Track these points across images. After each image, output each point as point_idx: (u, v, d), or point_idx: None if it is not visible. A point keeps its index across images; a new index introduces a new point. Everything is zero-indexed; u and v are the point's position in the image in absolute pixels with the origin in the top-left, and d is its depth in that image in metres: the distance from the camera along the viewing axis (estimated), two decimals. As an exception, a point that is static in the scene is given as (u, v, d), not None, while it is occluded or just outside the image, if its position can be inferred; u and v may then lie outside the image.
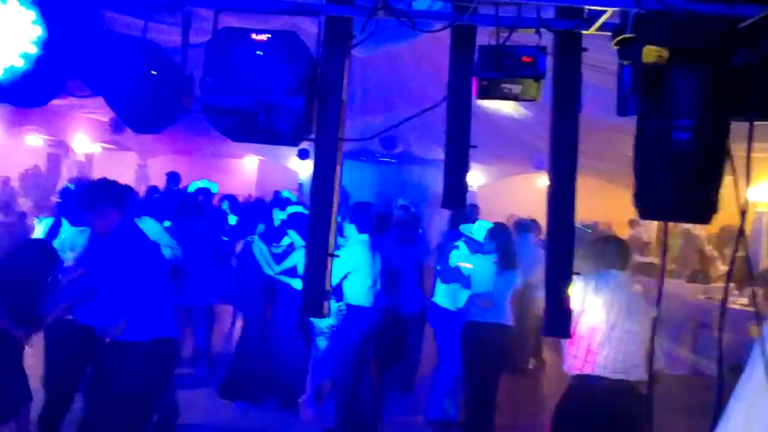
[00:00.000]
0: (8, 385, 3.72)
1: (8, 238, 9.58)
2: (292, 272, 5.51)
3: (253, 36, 2.57)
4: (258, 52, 2.55)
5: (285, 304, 5.55)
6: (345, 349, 4.93)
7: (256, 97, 2.51)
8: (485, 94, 2.70)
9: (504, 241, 5.02)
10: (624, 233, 14.94)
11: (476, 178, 15.99)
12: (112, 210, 3.33)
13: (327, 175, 2.68)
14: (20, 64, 2.30)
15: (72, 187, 5.99)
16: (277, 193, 8.13)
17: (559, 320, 2.76)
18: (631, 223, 14.20)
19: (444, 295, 5.51)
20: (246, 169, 18.91)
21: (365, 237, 5.09)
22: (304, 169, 16.59)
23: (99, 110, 12.44)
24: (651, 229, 14.40)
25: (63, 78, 2.46)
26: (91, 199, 3.38)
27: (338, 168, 2.68)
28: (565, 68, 2.57)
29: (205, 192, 7.57)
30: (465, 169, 2.85)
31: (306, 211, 6.46)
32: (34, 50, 2.30)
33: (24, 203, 11.77)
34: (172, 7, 2.55)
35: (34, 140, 14.89)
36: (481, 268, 4.98)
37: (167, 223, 5.79)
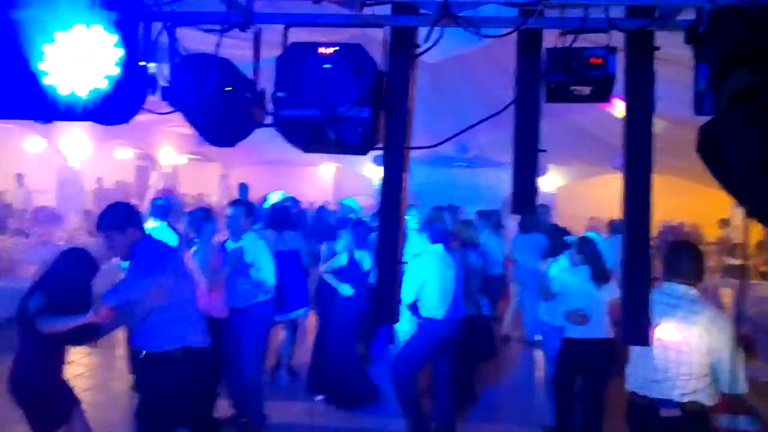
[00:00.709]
0: (62, 391, 3.88)
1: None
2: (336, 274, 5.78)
3: (321, 50, 2.64)
4: (326, 66, 2.62)
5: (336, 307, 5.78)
6: (412, 359, 4.96)
7: (324, 109, 2.57)
8: (554, 97, 2.66)
9: (591, 252, 4.86)
10: (713, 234, 14.26)
11: (554, 180, 15.67)
12: (133, 229, 3.57)
13: (395, 182, 2.71)
14: (104, 85, 2.44)
15: (160, 201, 6.24)
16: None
17: (637, 327, 2.68)
18: (722, 224, 13.53)
19: (544, 310, 5.49)
20: (323, 177, 19.27)
21: (439, 247, 5.05)
22: (379, 175, 16.73)
23: (184, 124, 13.00)
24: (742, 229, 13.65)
25: (141, 97, 2.59)
26: (116, 221, 3.59)
27: (405, 175, 2.70)
28: (637, 68, 2.49)
29: (293, 203, 7.63)
30: (534, 173, 2.81)
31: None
32: (116, 71, 2.44)
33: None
34: (243, 25, 2.65)
35: (124, 153, 15.73)
36: (574, 282, 4.89)
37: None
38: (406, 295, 4.81)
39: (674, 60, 3.89)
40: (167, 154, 14.83)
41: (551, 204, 11.05)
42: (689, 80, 2.42)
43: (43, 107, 2.53)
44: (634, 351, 3.45)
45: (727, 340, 3.14)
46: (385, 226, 2.75)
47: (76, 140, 11.71)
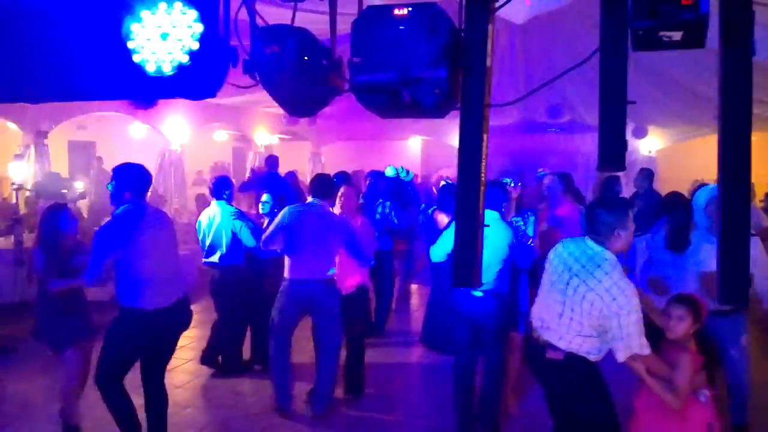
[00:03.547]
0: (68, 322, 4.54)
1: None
2: None
3: (395, 12, 2.61)
4: (400, 27, 2.59)
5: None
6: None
7: (400, 71, 2.55)
8: (642, 45, 2.50)
9: (678, 215, 4.39)
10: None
11: (654, 142, 14.91)
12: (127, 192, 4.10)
13: (474, 144, 2.65)
14: (186, 60, 2.52)
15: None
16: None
17: (735, 286, 2.51)
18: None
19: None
20: (411, 150, 19.26)
21: (496, 215, 4.62)
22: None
23: (275, 105, 13.35)
24: None
25: (224, 70, 2.66)
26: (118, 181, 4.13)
27: (485, 136, 2.64)
28: (733, 6, 2.30)
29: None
30: (623, 127, 2.66)
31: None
32: (196, 46, 2.52)
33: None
34: (318, -7, 2.66)
35: (221, 136, 16.35)
36: (656, 249, 4.51)
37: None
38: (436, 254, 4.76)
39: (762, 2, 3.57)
40: (261, 134, 15.28)
41: (653, 167, 10.53)
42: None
43: (133, 86, 2.67)
44: (541, 291, 3.52)
45: (624, 310, 3.09)
46: (465, 189, 2.70)
47: (176, 125, 12.27)
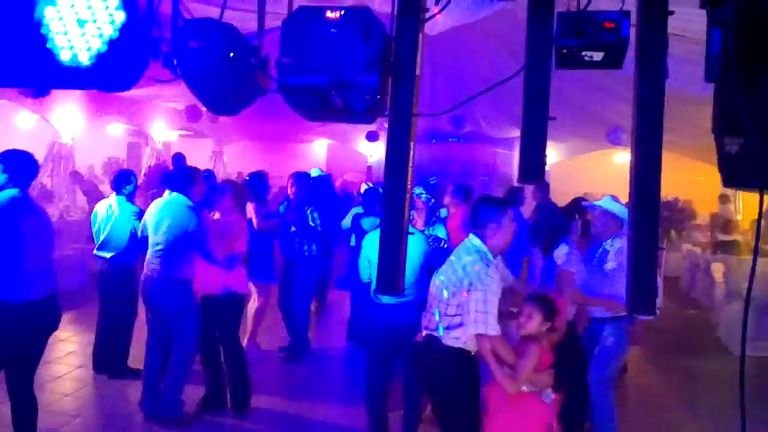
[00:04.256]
0: None
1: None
2: None
3: (328, 14, 2.58)
4: (332, 30, 2.56)
5: None
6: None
7: (330, 75, 2.52)
8: (565, 64, 2.62)
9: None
10: (707, 211, 14.33)
11: (549, 155, 15.64)
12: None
13: (401, 150, 2.66)
14: (104, 49, 2.37)
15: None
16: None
17: (644, 297, 2.67)
18: (721, 200, 13.62)
19: None
20: (316, 153, 19.17)
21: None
22: (372, 151, 16.67)
23: (176, 99, 12.87)
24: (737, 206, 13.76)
25: (144, 62, 2.52)
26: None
27: (412, 144, 2.66)
28: (650, 33, 2.44)
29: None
30: (543, 142, 2.77)
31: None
32: (116, 35, 2.37)
33: (108, 190, 12.33)
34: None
35: (116, 129, 15.55)
36: None
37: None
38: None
39: (673, 33, 3.84)
40: (159, 130, 14.67)
41: (548, 180, 11.04)
42: (689, 54, 2.38)
43: (44, 74, 2.47)
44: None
45: (473, 287, 3.32)
46: (391, 196, 2.71)
47: (68, 116, 11.54)
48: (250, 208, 6.35)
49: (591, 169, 16.18)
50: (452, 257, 3.58)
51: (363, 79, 2.48)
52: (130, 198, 5.92)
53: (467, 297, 3.35)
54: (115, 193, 5.91)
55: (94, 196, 11.27)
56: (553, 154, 15.73)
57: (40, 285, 3.87)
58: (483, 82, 2.81)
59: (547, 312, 3.50)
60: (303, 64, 2.55)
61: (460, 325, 3.40)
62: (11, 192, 3.83)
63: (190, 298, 4.89)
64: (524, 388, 3.41)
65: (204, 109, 10.76)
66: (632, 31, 2.52)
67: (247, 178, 7.14)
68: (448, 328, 3.44)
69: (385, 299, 4.43)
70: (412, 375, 4.52)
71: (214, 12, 2.85)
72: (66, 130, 11.69)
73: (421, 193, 5.14)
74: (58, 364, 6.19)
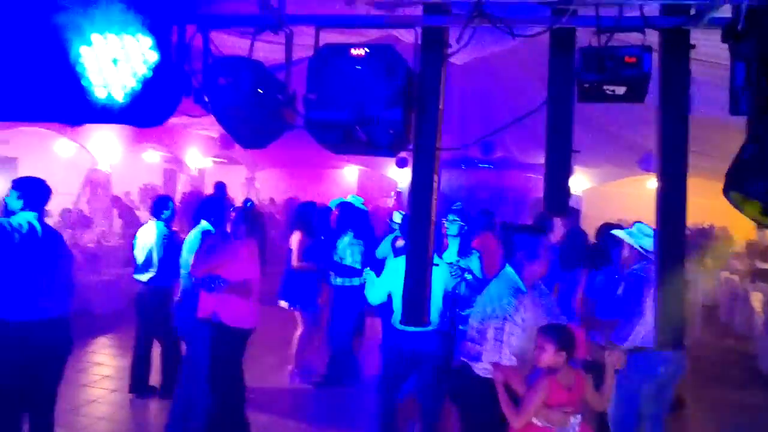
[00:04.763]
0: None
1: (131, 247, 10.39)
2: None
3: (352, 51, 2.65)
4: (357, 67, 2.62)
5: None
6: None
7: (355, 110, 2.58)
8: (587, 97, 2.63)
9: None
10: (744, 238, 14.00)
11: (581, 182, 15.52)
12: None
13: (425, 184, 2.71)
14: (139, 87, 2.47)
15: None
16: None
17: (672, 329, 2.64)
18: (759, 226, 13.31)
19: None
20: (346, 179, 19.34)
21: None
22: (402, 178, 16.78)
23: (210, 127, 13.15)
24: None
25: (176, 99, 2.62)
26: None
27: (436, 177, 2.69)
28: (672, 67, 2.46)
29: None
30: (567, 174, 2.78)
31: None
32: (151, 74, 2.47)
33: (143, 215, 12.61)
34: (275, 26, 2.66)
35: (152, 157, 15.93)
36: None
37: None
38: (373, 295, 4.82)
39: (702, 59, 3.83)
40: (194, 157, 14.99)
41: (578, 206, 10.95)
42: (719, 79, 2.38)
43: (80, 109, 2.58)
44: None
45: (495, 327, 3.32)
46: (416, 228, 2.74)
47: (105, 143, 11.88)
48: (294, 238, 6.43)
49: (625, 195, 15.95)
50: (489, 287, 3.59)
51: (386, 114, 2.54)
52: (168, 223, 6.04)
53: (489, 326, 3.35)
54: (153, 218, 6.05)
55: (130, 220, 11.55)
56: (585, 180, 15.60)
57: (45, 306, 3.93)
58: (513, 109, 2.85)
59: (560, 342, 3.28)
60: (328, 100, 2.61)
61: (481, 353, 3.39)
62: (29, 215, 3.95)
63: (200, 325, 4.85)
64: (537, 423, 3.32)
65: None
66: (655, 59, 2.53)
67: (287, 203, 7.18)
68: (476, 358, 3.44)
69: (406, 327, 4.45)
70: (431, 400, 4.54)
71: (242, 43, 2.95)
72: (104, 158, 12.02)
73: (455, 220, 5.08)
74: (94, 388, 6.28)
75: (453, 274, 4.81)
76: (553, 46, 2.63)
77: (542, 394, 3.23)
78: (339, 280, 6.54)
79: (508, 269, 3.52)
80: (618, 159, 13.01)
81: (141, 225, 11.38)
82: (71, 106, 2.61)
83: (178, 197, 12.26)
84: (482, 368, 3.42)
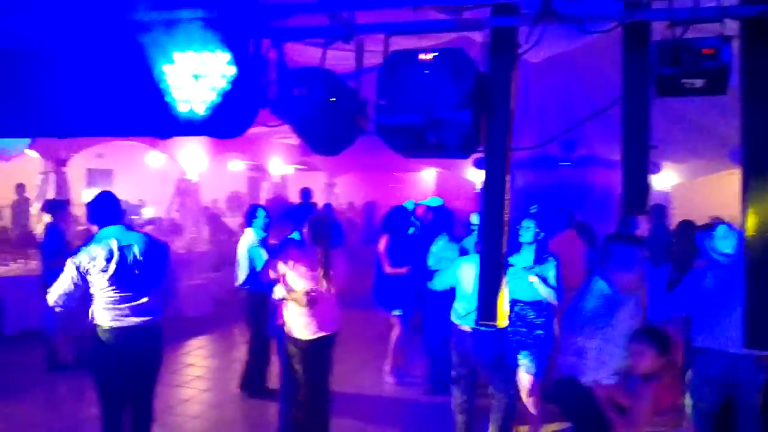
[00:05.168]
0: None
1: (221, 251, 10.90)
2: None
3: (421, 56, 2.68)
4: (426, 72, 2.65)
5: None
6: None
7: (425, 114, 2.61)
8: (664, 92, 2.56)
9: None
10: None
11: (669, 177, 14.89)
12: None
13: (497, 185, 2.70)
14: (217, 101, 2.60)
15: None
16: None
17: (763, 332, 2.52)
18: None
19: None
20: (424, 182, 19.36)
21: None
22: (480, 179, 16.62)
23: (291, 135, 13.52)
24: None
25: (254, 110, 2.74)
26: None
27: (508, 177, 2.68)
28: (755, 56, 2.34)
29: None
30: (645, 171, 2.71)
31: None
32: (229, 88, 2.59)
33: (231, 222, 13.15)
34: (346, 36, 2.73)
35: (237, 165, 16.52)
36: None
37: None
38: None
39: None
40: (276, 164, 15.43)
41: (666, 203, 10.52)
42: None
43: (166, 124, 2.74)
44: None
45: (592, 347, 3.24)
46: (489, 229, 2.74)
47: (193, 154, 12.42)
48: (382, 241, 6.52)
49: (716, 190, 15.18)
50: (585, 302, 3.43)
51: (456, 116, 2.55)
52: (266, 230, 6.23)
53: (589, 342, 3.24)
54: (248, 226, 6.27)
55: (217, 227, 12.05)
56: (673, 175, 14.96)
57: (141, 311, 4.14)
58: (593, 104, 2.80)
59: (659, 346, 3.21)
60: (398, 105, 2.66)
61: (584, 368, 3.32)
62: (116, 227, 4.13)
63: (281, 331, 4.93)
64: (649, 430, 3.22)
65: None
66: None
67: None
68: (579, 373, 3.35)
69: (465, 322, 4.50)
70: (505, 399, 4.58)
71: (315, 52, 3.03)
72: (192, 168, 12.57)
73: (529, 227, 4.94)
74: (186, 388, 6.58)
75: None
76: (627, 40, 2.57)
77: (649, 403, 3.15)
78: (434, 284, 6.50)
79: (601, 283, 3.38)
80: (708, 153, 12.41)
81: (228, 231, 11.82)
82: (158, 120, 2.78)
83: (262, 203, 12.66)
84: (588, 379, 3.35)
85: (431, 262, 6.27)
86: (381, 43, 3.00)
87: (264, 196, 15.22)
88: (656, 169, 14.32)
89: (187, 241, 11.12)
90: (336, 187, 17.58)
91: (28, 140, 8.44)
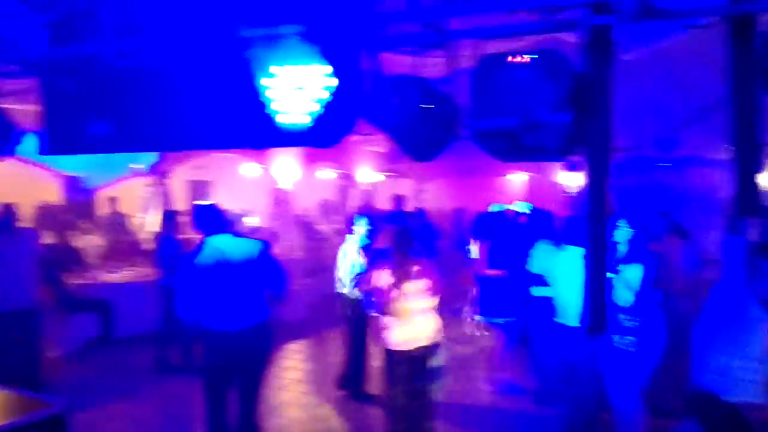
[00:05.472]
0: None
1: (315, 258, 11.20)
2: None
3: (515, 59, 2.68)
4: (521, 74, 2.65)
5: None
6: None
7: (521, 117, 2.61)
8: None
9: None
10: None
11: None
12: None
13: (600, 186, 2.65)
14: (319, 112, 2.70)
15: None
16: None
17: None
18: None
19: None
20: (514, 186, 19.08)
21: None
22: (571, 181, 16.19)
23: (379, 143, 13.69)
24: None
25: (353, 120, 2.82)
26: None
27: (608, 179, 2.63)
28: None
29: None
30: (757, 170, 2.58)
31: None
32: (330, 99, 2.69)
33: (324, 229, 13.52)
34: (440, 43, 2.77)
35: (327, 174, 16.90)
36: None
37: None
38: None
39: None
40: (365, 172, 15.66)
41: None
42: None
43: (267, 136, 2.88)
44: None
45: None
46: (592, 232, 2.70)
47: (285, 165, 12.82)
48: (475, 247, 6.50)
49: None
50: (721, 315, 3.24)
51: (554, 118, 2.54)
52: (370, 236, 6.35)
53: (731, 361, 3.09)
54: (349, 233, 6.38)
55: (311, 235, 12.41)
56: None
57: (247, 314, 4.34)
58: (689, 102, 2.71)
59: None
60: (493, 109, 2.67)
61: (728, 387, 3.18)
62: (224, 235, 4.31)
63: None
64: None
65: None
66: None
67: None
68: (725, 392, 3.24)
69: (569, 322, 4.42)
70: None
71: (404, 60, 3.09)
72: (284, 178, 12.97)
73: (623, 227, 4.79)
74: (287, 391, 6.76)
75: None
76: (732, 34, 2.46)
77: None
78: (539, 290, 6.37)
79: (744, 299, 3.13)
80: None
81: (320, 238, 12.10)
82: (259, 133, 2.92)
83: (350, 210, 12.88)
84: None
85: (534, 266, 6.15)
86: (468, 47, 3.02)
87: (353, 204, 15.47)
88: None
89: (283, 249, 11.47)
90: (424, 194, 17.63)
91: (155, 154, 8.97)
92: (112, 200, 11.75)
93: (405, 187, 17.79)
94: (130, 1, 2.92)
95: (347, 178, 16.53)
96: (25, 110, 4.09)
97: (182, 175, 13.15)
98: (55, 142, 3.45)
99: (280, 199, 12.88)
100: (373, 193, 16.24)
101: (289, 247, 11.75)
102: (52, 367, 6.96)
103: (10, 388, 4.09)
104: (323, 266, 12.08)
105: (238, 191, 14.31)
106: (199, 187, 15.18)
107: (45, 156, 4.14)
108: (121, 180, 10.12)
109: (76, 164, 8.55)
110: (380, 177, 16.59)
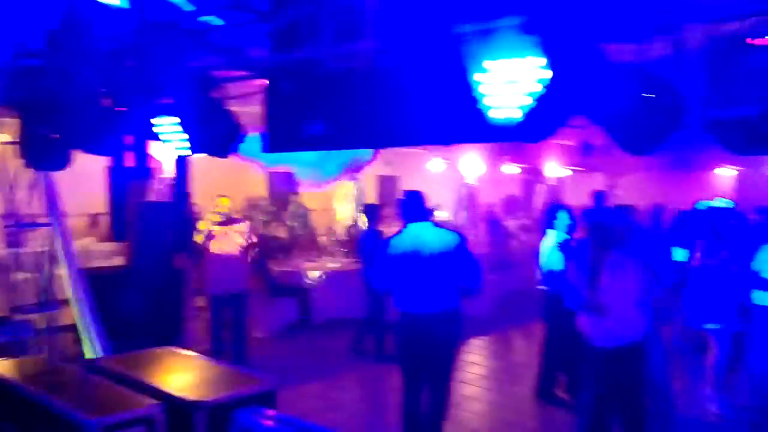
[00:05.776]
0: None
1: (501, 253, 11.19)
2: None
3: (755, 40, 2.42)
4: (762, 57, 2.39)
5: None
6: None
7: (763, 105, 2.35)
8: None
9: None
10: None
11: None
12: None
13: None
14: (532, 105, 2.65)
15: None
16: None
17: None
18: None
19: None
20: (720, 181, 17.43)
21: None
22: (793, 176, 14.42)
23: (568, 137, 13.19)
24: None
25: (567, 113, 2.73)
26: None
27: None
28: None
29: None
30: None
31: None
32: (543, 92, 2.62)
33: (510, 225, 13.45)
34: (665, 29, 2.58)
35: (511, 169, 16.63)
36: None
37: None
38: None
39: None
40: (551, 167, 15.17)
41: None
42: None
43: (478, 130, 2.88)
44: None
45: None
46: None
47: (470, 160, 12.82)
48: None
49: None
50: None
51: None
52: (570, 232, 6.19)
53: None
54: (550, 228, 6.27)
55: (496, 230, 12.36)
56: None
57: (439, 300, 4.50)
58: None
59: None
60: (729, 97, 2.43)
61: None
62: (421, 223, 4.54)
63: None
64: None
65: (596, 144, 10.77)
66: None
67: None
68: None
69: None
70: None
71: (623, 48, 2.92)
72: (470, 173, 12.99)
73: None
74: (471, 385, 6.81)
75: None
76: None
77: None
78: (762, 297, 5.70)
79: None
80: None
81: (506, 234, 12.02)
82: (470, 128, 2.92)
83: (537, 206, 12.61)
84: None
85: (763, 268, 5.55)
86: (698, 29, 2.77)
87: (538, 200, 15.11)
88: None
89: (469, 244, 11.52)
90: (618, 189, 16.71)
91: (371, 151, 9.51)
92: (299, 195, 12.57)
93: (594, 182, 17.00)
94: (350, 7, 3.07)
95: (533, 172, 16.14)
96: (244, 112, 4.48)
97: (372, 171, 13.68)
98: (275, 141, 3.75)
99: (470, 195, 12.96)
100: (559, 189, 15.70)
101: (475, 243, 11.79)
102: (257, 346, 7.63)
103: (225, 362, 4.60)
104: (509, 262, 11.96)
105: (424, 186, 14.58)
106: (387, 183, 15.72)
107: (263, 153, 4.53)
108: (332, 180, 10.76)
109: (288, 162, 9.26)
110: (567, 172, 15.99)
